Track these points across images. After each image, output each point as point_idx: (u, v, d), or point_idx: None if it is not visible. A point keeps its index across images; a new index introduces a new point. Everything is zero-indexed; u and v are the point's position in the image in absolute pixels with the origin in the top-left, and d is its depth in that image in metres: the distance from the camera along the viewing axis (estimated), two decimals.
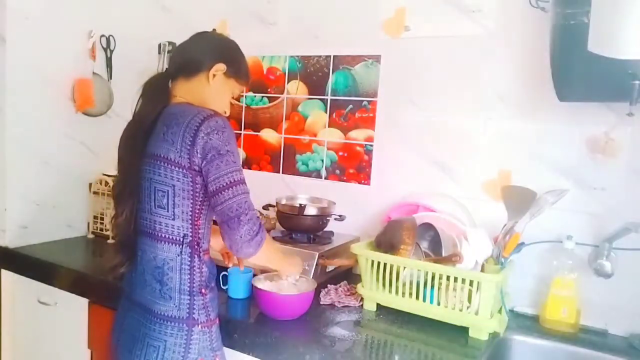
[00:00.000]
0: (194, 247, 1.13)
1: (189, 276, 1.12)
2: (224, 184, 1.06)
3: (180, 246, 1.11)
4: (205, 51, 1.21)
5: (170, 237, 1.11)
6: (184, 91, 1.19)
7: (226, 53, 1.23)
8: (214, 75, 1.20)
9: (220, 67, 1.20)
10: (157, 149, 1.10)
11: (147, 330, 1.11)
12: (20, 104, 1.82)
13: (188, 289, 1.12)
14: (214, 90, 1.21)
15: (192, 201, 1.10)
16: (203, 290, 1.14)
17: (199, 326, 1.13)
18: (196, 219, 1.12)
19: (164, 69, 1.25)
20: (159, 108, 1.14)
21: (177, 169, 1.08)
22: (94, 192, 2.04)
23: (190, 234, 1.12)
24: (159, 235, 1.11)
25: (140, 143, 1.12)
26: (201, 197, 1.11)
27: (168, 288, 1.11)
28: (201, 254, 1.14)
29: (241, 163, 1.13)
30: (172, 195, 1.09)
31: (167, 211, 1.10)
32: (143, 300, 1.14)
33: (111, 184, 1.99)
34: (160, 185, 1.09)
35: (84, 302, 1.61)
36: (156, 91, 1.17)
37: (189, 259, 1.12)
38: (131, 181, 1.14)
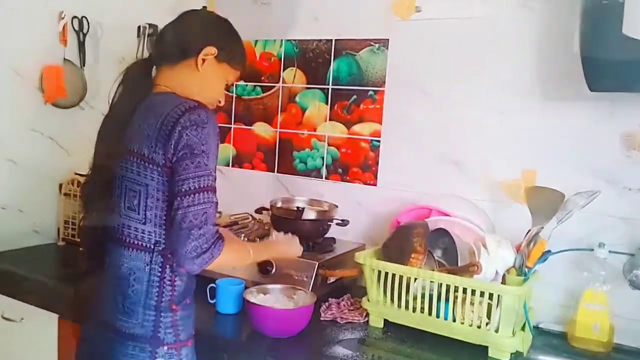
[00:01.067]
0: (166, 257, 1.10)
1: (157, 289, 1.10)
2: (187, 189, 1.04)
3: (151, 254, 1.10)
4: (192, 33, 1.20)
5: (140, 243, 1.10)
6: (169, 79, 1.18)
7: (217, 34, 1.22)
8: (204, 60, 1.18)
9: (211, 51, 1.18)
10: (131, 143, 1.10)
11: (113, 352, 1.10)
12: None
13: (155, 303, 1.10)
14: (203, 78, 1.20)
15: (166, 204, 1.09)
16: (173, 307, 1.12)
17: (165, 347, 1.10)
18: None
19: (147, 55, 1.25)
20: (138, 98, 1.13)
21: (150, 166, 1.07)
22: (65, 194, 2.04)
23: (163, 241, 1.10)
24: (127, 240, 1.11)
25: (115, 137, 1.12)
26: None
27: (131, 302, 1.10)
28: (174, 265, 1.11)
29: (215, 166, 1.11)
30: (144, 196, 1.08)
31: (138, 214, 1.09)
32: (107, 316, 1.13)
33: None
34: (131, 184, 1.09)
35: (53, 317, 1.61)
36: (136, 80, 1.17)
37: (159, 270, 1.10)
38: (102, 179, 1.14)
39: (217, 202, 1.08)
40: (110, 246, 1.14)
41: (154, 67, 1.21)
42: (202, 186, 1.05)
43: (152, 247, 1.10)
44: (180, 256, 1.04)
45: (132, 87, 1.16)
